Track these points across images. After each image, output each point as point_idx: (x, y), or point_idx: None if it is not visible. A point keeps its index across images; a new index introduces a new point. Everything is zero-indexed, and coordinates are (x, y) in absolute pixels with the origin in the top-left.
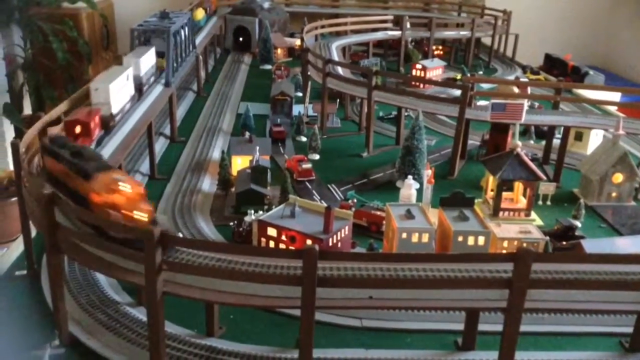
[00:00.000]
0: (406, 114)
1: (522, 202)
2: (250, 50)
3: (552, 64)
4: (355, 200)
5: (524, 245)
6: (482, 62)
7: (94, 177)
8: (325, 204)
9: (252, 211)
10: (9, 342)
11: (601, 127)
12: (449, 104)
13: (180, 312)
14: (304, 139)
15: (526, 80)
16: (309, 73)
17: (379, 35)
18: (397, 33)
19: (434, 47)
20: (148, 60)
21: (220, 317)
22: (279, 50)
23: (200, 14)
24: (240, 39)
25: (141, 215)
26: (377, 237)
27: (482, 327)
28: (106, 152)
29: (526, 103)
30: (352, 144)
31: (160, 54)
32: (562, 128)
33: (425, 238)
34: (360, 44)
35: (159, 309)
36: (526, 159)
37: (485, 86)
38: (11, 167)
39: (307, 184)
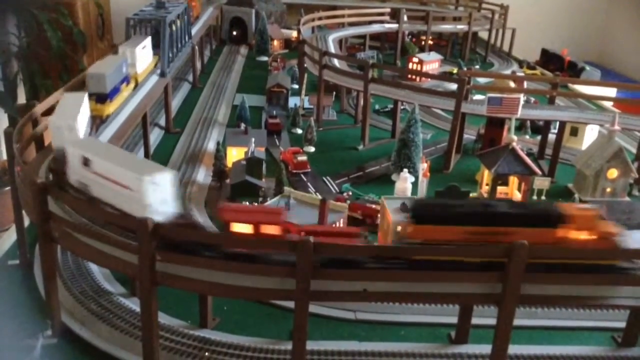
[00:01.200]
0: (402, 107)
1: (517, 197)
2: (246, 41)
3: (549, 59)
4: (350, 193)
5: None
6: (478, 56)
7: (572, 218)
8: (320, 197)
9: (247, 203)
10: (1, 331)
11: (597, 123)
12: (445, 98)
13: (174, 303)
14: (299, 131)
15: (523, 74)
16: (305, 65)
17: (376, 27)
18: (394, 26)
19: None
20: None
21: (214, 308)
22: (276, 42)
23: None
24: (235, 33)
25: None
26: (372, 230)
27: (475, 320)
28: (102, 139)
29: (522, 97)
30: (347, 136)
31: (100, 98)
32: (557, 123)
33: None
34: (357, 36)
35: (153, 300)
36: (522, 153)
37: (482, 80)
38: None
39: (302, 176)
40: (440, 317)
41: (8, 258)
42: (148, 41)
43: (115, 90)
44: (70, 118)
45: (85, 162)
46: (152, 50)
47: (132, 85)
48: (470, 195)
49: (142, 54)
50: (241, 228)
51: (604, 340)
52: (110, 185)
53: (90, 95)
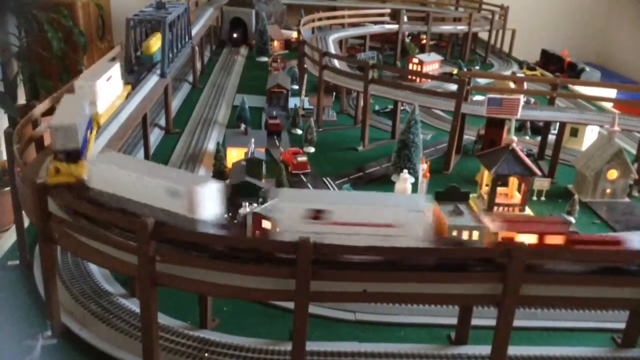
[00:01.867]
0: (402, 107)
1: (517, 197)
2: (246, 42)
3: (549, 60)
4: None
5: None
6: (478, 57)
7: None
8: None
9: (247, 204)
10: (0, 332)
11: (597, 124)
12: (445, 99)
13: (174, 304)
14: (299, 131)
15: (522, 75)
16: (305, 66)
17: (376, 28)
18: (394, 27)
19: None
20: None
21: (214, 309)
22: (276, 43)
23: (155, 44)
24: (235, 35)
25: None
26: None
27: (475, 321)
28: (101, 142)
29: (522, 98)
30: (347, 137)
31: (71, 156)
32: (557, 124)
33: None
34: (357, 37)
35: (152, 301)
36: (521, 154)
37: (482, 81)
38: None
39: (302, 176)
40: (440, 318)
41: (8, 258)
42: (116, 69)
43: (85, 142)
44: (186, 181)
45: (316, 216)
46: (121, 80)
47: (95, 131)
48: (471, 196)
49: (106, 88)
50: (525, 239)
51: (604, 341)
52: (359, 230)
53: (56, 154)
